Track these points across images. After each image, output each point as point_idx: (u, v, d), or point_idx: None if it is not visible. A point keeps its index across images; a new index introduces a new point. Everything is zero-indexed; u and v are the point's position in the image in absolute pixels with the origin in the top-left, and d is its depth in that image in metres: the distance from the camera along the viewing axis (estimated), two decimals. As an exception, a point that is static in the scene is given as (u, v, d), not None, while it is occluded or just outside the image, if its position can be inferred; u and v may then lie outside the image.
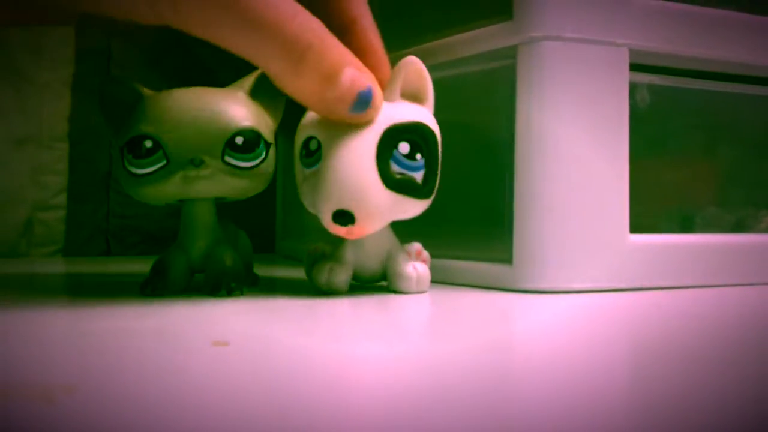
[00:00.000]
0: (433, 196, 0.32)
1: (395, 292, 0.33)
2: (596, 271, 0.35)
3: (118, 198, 0.58)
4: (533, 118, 0.35)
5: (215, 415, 0.14)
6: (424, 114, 0.31)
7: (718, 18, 0.39)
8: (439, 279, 0.38)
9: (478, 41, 0.37)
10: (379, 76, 0.31)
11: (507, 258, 0.35)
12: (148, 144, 0.30)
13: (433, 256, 0.35)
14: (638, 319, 0.29)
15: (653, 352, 0.22)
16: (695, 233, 0.40)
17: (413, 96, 0.32)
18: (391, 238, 0.33)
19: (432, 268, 0.34)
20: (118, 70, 0.58)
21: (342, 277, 0.32)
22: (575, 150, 0.35)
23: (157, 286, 0.31)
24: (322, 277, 0.32)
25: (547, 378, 0.18)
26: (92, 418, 0.14)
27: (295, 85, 0.28)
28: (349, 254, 0.33)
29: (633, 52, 0.36)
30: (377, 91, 0.29)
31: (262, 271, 0.38)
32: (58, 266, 0.51)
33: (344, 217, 0.29)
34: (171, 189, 0.30)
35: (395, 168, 0.30)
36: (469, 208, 0.40)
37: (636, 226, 0.36)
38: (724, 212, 0.42)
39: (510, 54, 0.36)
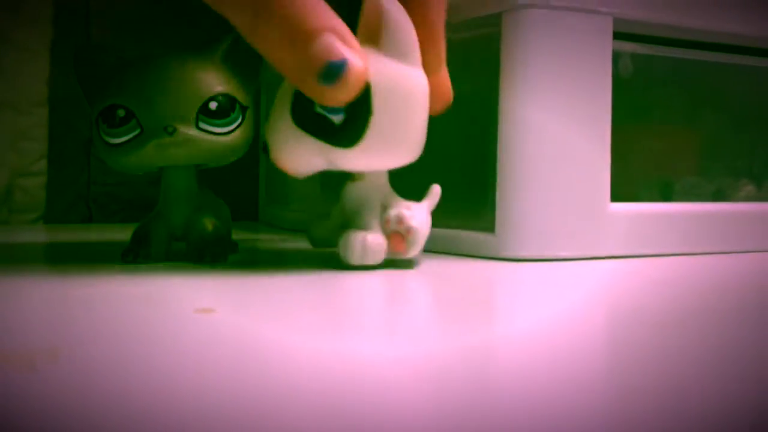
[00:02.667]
0: (360, 146, 0.27)
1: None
2: (577, 240, 0.35)
3: (99, 164, 0.58)
4: (517, 86, 0.35)
5: (198, 381, 0.15)
6: (370, 60, 0.27)
7: (701, -13, 0.39)
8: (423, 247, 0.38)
9: (461, 8, 0.37)
10: (430, 51, 0.29)
11: (490, 226, 0.35)
12: (121, 113, 0.30)
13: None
14: (618, 287, 0.30)
15: (632, 318, 0.22)
16: (675, 202, 0.40)
17: (371, 39, 0.28)
18: (381, 194, 0.30)
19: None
20: (97, 31, 0.58)
21: (320, 230, 0.32)
22: (557, 118, 0.35)
23: (139, 254, 0.31)
24: (356, 246, 0.29)
25: (528, 346, 0.19)
26: (75, 384, 0.14)
27: (261, 45, 0.25)
28: (337, 210, 0.32)
29: (617, 21, 0.36)
30: (355, 68, 0.25)
31: (244, 237, 0.38)
32: (39, 233, 0.51)
33: (264, 148, 0.29)
34: (146, 158, 0.30)
35: (319, 108, 0.27)
36: (452, 176, 0.40)
37: (616, 195, 0.36)
38: (704, 181, 0.42)
39: (494, 22, 0.35)
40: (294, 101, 0.27)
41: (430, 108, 0.29)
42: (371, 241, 0.29)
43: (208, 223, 0.32)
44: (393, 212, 0.29)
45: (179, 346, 0.18)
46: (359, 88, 0.26)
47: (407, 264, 0.30)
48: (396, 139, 0.28)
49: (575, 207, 0.35)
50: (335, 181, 0.32)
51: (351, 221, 0.30)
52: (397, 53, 0.28)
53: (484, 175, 0.36)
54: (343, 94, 0.26)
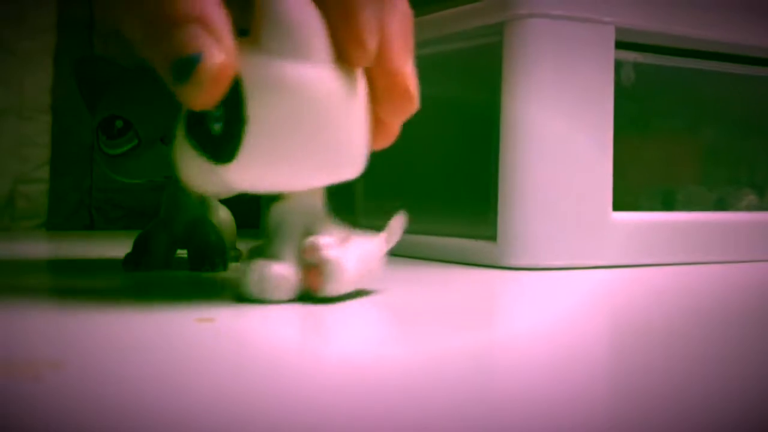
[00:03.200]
0: (239, 162, 0.22)
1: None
2: (579, 249, 0.35)
3: (101, 172, 0.58)
4: (519, 95, 0.35)
5: (201, 389, 0.15)
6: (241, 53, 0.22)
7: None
8: (425, 256, 0.38)
9: (464, 18, 0.37)
10: (351, 39, 0.23)
11: (492, 235, 0.35)
12: (119, 124, 0.30)
13: (417, 232, 0.35)
14: (620, 296, 0.30)
15: (634, 327, 0.22)
16: (677, 211, 0.40)
17: (252, 34, 0.23)
18: (306, 219, 0.24)
19: (417, 245, 0.34)
20: (99, 40, 0.58)
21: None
22: (560, 127, 0.35)
23: (140, 262, 0.31)
24: (254, 277, 0.24)
25: (529, 355, 0.19)
26: (79, 394, 0.14)
27: (129, 36, 0.21)
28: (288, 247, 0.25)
29: (619, 30, 0.36)
30: (210, 62, 0.21)
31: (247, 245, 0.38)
32: (40, 240, 0.51)
33: None
34: (145, 168, 0.30)
35: (209, 119, 0.22)
36: (454, 185, 0.40)
37: (619, 204, 0.36)
38: (706, 190, 0.42)
39: (496, 31, 0.36)
40: (188, 111, 0.23)
41: (386, 111, 0.25)
42: (272, 273, 0.23)
43: (210, 232, 0.32)
44: (309, 240, 0.23)
45: (180, 355, 0.18)
46: (220, 87, 0.21)
47: (324, 300, 0.24)
48: (294, 153, 0.22)
49: (577, 216, 0.35)
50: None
51: (264, 249, 0.24)
52: (284, 49, 0.22)
53: (486, 184, 0.36)
54: (199, 95, 0.21)
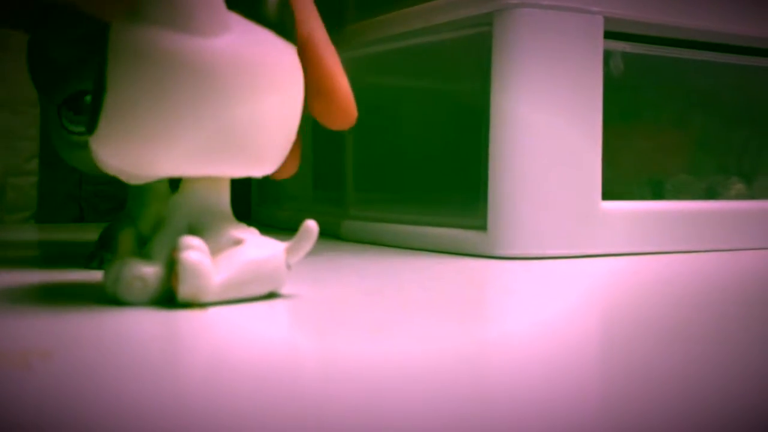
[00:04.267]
0: (100, 135, 0.21)
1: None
2: (569, 238, 0.35)
3: (91, 188, 0.58)
4: (508, 85, 0.35)
5: (190, 380, 0.15)
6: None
7: (692, -14, 0.39)
8: (415, 246, 0.39)
9: (453, 8, 0.37)
10: (330, 95, 0.25)
11: (481, 225, 0.36)
12: (89, 99, 0.26)
13: (408, 222, 0.35)
14: (610, 285, 0.30)
15: (624, 316, 0.23)
16: (666, 200, 0.40)
17: None
18: (191, 214, 0.22)
19: (407, 235, 0.34)
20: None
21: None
22: (549, 117, 0.35)
23: (105, 259, 0.28)
24: (110, 276, 0.22)
25: (520, 345, 0.19)
26: (68, 384, 0.14)
27: None
28: (162, 248, 0.23)
29: (607, 20, 0.36)
30: None
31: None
32: (30, 232, 0.50)
33: None
34: None
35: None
36: (444, 175, 0.40)
37: (608, 193, 0.37)
38: (695, 179, 0.42)
39: (486, 21, 0.36)
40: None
41: (325, 118, 0.25)
42: (128, 272, 0.21)
43: None
44: (180, 239, 0.21)
45: (174, 343, 0.18)
46: None
47: (184, 305, 0.21)
48: (159, 130, 0.20)
49: (567, 205, 0.35)
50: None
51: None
52: (161, 17, 0.20)
53: (475, 174, 0.36)
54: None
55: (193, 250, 0.21)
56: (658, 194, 0.41)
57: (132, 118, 0.20)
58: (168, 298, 0.21)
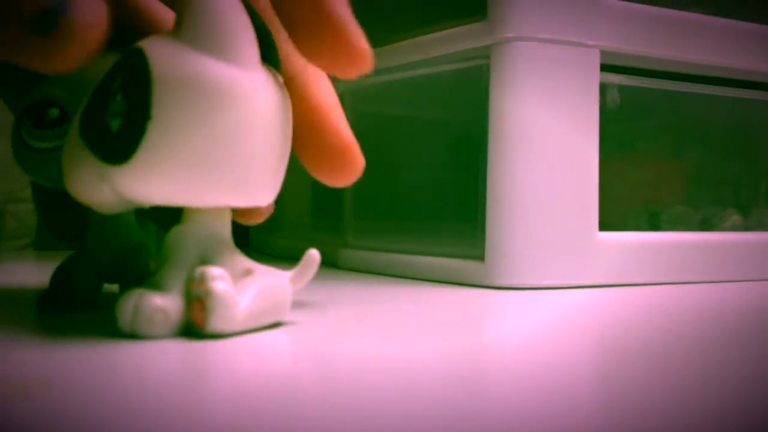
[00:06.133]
0: (134, 163, 0.20)
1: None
2: (566, 268, 0.36)
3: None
4: (506, 117, 0.35)
5: (191, 409, 0.15)
6: (154, 43, 0.20)
7: (687, 21, 0.39)
8: (411, 275, 0.39)
9: (452, 41, 0.38)
10: (329, 142, 0.23)
11: (479, 255, 0.36)
12: (54, 114, 0.24)
13: (405, 252, 0.36)
14: (606, 315, 0.30)
15: (621, 348, 0.23)
16: (663, 231, 0.41)
17: (174, 25, 0.21)
18: (203, 245, 0.22)
19: (405, 264, 0.34)
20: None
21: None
22: (546, 149, 0.35)
23: (59, 300, 0.25)
24: (128, 308, 0.21)
25: (519, 376, 0.19)
26: (69, 413, 0.14)
27: None
28: (177, 277, 0.22)
29: (604, 53, 0.37)
30: (81, 13, 0.17)
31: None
32: (29, 259, 0.50)
33: None
34: None
35: (108, 115, 0.20)
36: (441, 205, 0.40)
37: (605, 224, 0.37)
38: (691, 210, 0.43)
39: (484, 54, 0.36)
40: (84, 108, 0.20)
41: (323, 173, 0.23)
42: (148, 305, 0.20)
43: (149, 261, 0.26)
44: (198, 270, 0.20)
45: (171, 374, 0.18)
46: (87, 47, 0.17)
47: (210, 337, 0.21)
48: (198, 161, 0.20)
49: (564, 236, 0.36)
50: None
51: (153, 277, 0.21)
52: (208, 44, 0.20)
53: (473, 204, 0.37)
54: (59, 53, 0.17)
55: (221, 281, 0.20)
56: (654, 225, 0.41)
57: (174, 148, 0.19)
58: (185, 330, 0.21)
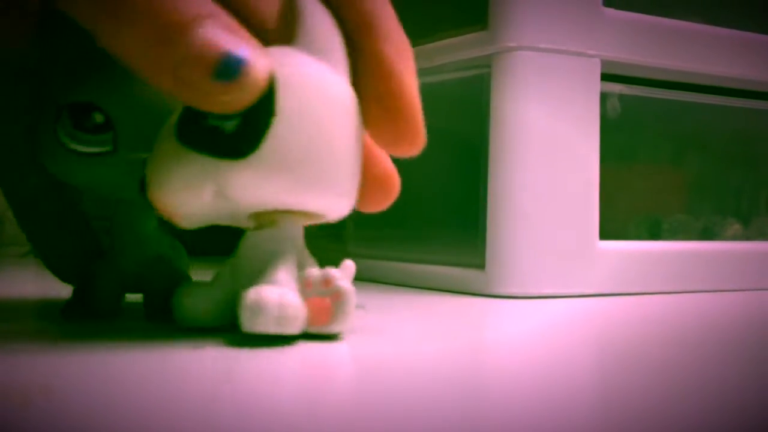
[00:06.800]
0: (254, 159, 0.20)
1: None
2: (567, 277, 0.36)
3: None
4: (507, 126, 0.35)
5: (191, 413, 0.15)
6: (272, 51, 0.21)
7: (687, 30, 0.39)
8: (412, 284, 0.39)
9: (454, 50, 0.38)
10: (385, 88, 0.22)
11: (479, 263, 0.36)
12: (99, 119, 0.23)
13: (406, 260, 0.36)
14: (607, 325, 0.30)
15: (620, 357, 0.23)
16: (664, 240, 0.41)
17: (280, 36, 0.22)
18: (297, 249, 0.23)
19: (405, 273, 0.34)
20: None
21: (196, 300, 0.23)
22: (547, 157, 0.35)
23: (82, 309, 0.25)
24: (175, 301, 0.23)
25: (518, 384, 0.19)
26: (69, 420, 0.14)
27: (128, 52, 0.19)
28: (225, 272, 0.23)
29: (605, 63, 0.37)
30: (259, 61, 0.19)
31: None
32: (29, 266, 0.50)
33: (141, 184, 0.22)
34: (103, 182, 0.24)
35: (212, 119, 0.20)
36: (442, 213, 0.40)
37: (605, 232, 0.37)
38: (692, 219, 0.43)
39: (485, 63, 0.36)
40: (181, 116, 0.21)
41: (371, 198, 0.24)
42: (291, 302, 0.21)
43: (174, 272, 0.26)
44: (316, 271, 0.22)
45: (172, 382, 0.18)
46: (261, 89, 0.20)
47: (331, 337, 0.22)
48: (307, 160, 0.21)
49: (565, 244, 0.36)
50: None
51: (252, 281, 0.21)
52: (320, 51, 0.21)
53: (474, 213, 0.37)
54: (242, 96, 0.19)
55: (347, 281, 0.21)
56: (655, 234, 0.41)
57: (299, 147, 0.20)
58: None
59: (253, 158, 0.20)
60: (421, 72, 0.40)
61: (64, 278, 0.27)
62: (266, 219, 0.22)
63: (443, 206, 0.40)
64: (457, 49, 0.38)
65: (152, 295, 0.25)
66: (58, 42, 0.24)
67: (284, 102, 0.20)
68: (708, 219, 0.43)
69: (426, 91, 0.40)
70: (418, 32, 0.41)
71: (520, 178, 0.35)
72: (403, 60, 0.23)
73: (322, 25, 0.21)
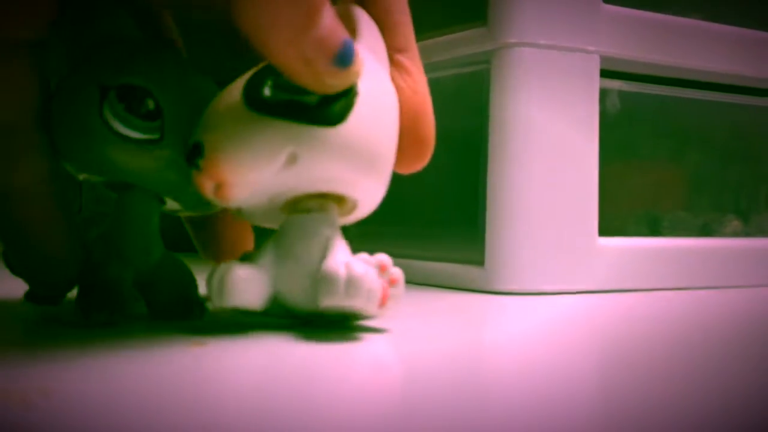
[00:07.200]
0: (339, 132, 0.22)
1: (324, 316, 0.23)
2: (566, 273, 0.36)
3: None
4: (506, 122, 0.35)
5: (194, 416, 0.15)
6: None
7: (686, 27, 0.39)
8: (412, 280, 0.39)
9: (453, 46, 0.38)
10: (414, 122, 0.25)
11: (479, 260, 0.36)
12: (151, 105, 0.23)
13: (405, 257, 0.35)
14: (606, 321, 0.30)
15: (621, 354, 0.23)
16: (663, 237, 0.41)
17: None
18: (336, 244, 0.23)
19: (406, 269, 0.34)
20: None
21: (252, 285, 0.22)
22: (546, 154, 0.35)
23: (108, 310, 0.23)
24: (214, 282, 0.22)
25: (519, 381, 0.19)
26: (69, 422, 0.14)
27: (268, 15, 0.20)
28: (268, 257, 0.23)
29: (604, 59, 0.37)
30: (359, 51, 0.22)
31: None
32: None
33: (195, 151, 0.22)
34: (148, 172, 0.23)
35: (277, 89, 0.22)
36: (442, 210, 0.40)
37: (605, 229, 0.37)
38: (691, 216, 0.43)
39: (484, 59, 0.36)
40: (247, 87, 0.22)
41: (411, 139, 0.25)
42: (376, 279, 0.22)
43: (185, 268, 0.25)
44: (376, 257, 0.23)
45: (174, 381, 0.18)
46: (359, 76, 0.22)
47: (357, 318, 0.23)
48: (372, 143, 0.22)
49: (564, 241, 0.36)
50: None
51: (307, 263, 0.22)
52: (370, 48, 0.23)
53: (473, 209, 0.37)
54: (347, 81, 0.22)
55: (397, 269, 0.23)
56: (654, 231, 0.41)
57: (371, 131, 0.22)
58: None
59: (341, 127, 0.22)
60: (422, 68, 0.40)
61: (44, 288, 0.25)
62: (302, 206, 0.23)
63: (443, 203, 0.40)
64: (457, 46, 0.38)
65: (159, 295, 0.24)
66: (108, 22, 0.24)
67: (361, 88, 0.22)
68: (707, 215, 0.43)
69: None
70: (417, 28, 0.41)
71: (519, 174, 0.35)
72: (421, 83, 0.25)
73: (371, 29, 0.24)
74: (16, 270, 0.24)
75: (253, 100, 0.21)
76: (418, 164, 0.25)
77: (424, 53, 0.40)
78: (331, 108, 0.22)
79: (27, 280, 0.24)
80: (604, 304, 0.33)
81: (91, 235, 0.24)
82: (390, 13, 0.25)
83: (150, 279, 0.24)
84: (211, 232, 0.29)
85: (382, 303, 0.23)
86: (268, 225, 0.25)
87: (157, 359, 0.20)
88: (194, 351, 0.20)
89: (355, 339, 0.23)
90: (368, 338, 0.23)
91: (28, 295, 0.25)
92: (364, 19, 0.24)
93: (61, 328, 0.24)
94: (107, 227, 0.24)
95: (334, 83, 0.21)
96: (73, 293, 0.24)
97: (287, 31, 0.21)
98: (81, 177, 0.24)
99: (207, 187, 0.22)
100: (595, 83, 0.36)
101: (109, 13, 0.24)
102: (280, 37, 0.21)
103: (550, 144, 0.35)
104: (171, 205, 0.25)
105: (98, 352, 0.20)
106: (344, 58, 0.21)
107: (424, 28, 0.40)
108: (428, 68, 0.40)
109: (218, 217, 0.29)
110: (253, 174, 0.21)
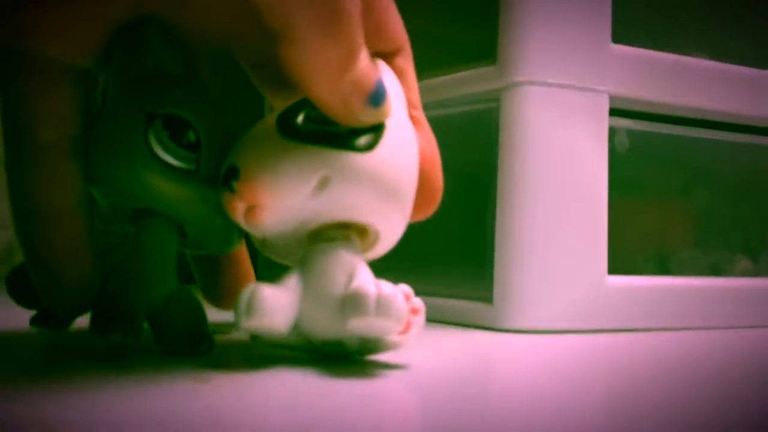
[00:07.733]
0: (369, 159, 0.23)
1: (343, 346, 0.24)
2: (575, 312, 0.35)
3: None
4: (515, 160, 0.35)
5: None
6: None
7: (695, 67, 0.40)
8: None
9: (463, 84, 0.38)
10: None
11: (487, 297, 0.36)
12: (192, 137, 0.24)
13: (415, 293, 0.35)
14: (615, 361, 0.30)
15: (629, 394, 0.23)
16: (673, 276, 0.41)
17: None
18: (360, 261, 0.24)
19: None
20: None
21: (281, 314, 0.22)
22: (555, 192, 0.35)
23: (124, 332, 0.23)
24: (242, 306, 0.22)
25: (524, 421, 0.19)
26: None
27: (315, 58, 0.21)
28: (294, 280, 0.23)
29: (613, 98, 0.37)
30: (389, 90, 0.23)
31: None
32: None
33: (230, 173, 0.23)
34: (182, 202, 0.24)
35: (309, 121, 0.23)
36: (450, 246, 0.40)
37: (614, 267, 0.37)
38: (700, 254, 0.43)
39: (493, 97, 0.36)
40: (281, 117, 0.23)
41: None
42: (403, 302, 0.22)
43: (197, 301, 0.25)
44: (400, 287, 0.23)
45: (179, 417, 0.18)
46: (389, 114, 0.24)
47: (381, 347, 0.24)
48: (398, 175, 0.24)
49: (573, 279, 0.36)
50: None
51: (334, 289, 0.23)
52: (393, 92, 0.25)
53: (482, 246, 0.37)
54: (378, 118, 0.23)
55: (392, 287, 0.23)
56: (663, 269, 0.41)
57: (396, 162, 0.24)
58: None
59: (364, 157, 0.23)
60: (431, 105, 0.40)
61: (61, 310, 0.25)
62: (326, 236, 0.24)
63: (452, 239, 0.40)
64: (466, 83, 0.38)
65: (169, 326, 0.24)
66: (154, 57, 0.25)
67: (387, 122, 0.24)
68: (717, 255, 0.43)
69: (435, 125, 0.40)
70: (427, 66, 0.41)
71: (528, 212, 0.35)
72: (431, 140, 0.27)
73: (390, 75, 0.25)
74: (23, 294, 0.25)
75: (286, 128, 0.23)
76: (429, 211, 0.26)
77: (434, 91, 0.41)
78: (360, 137, 0.23)
79: (45, 299, 0.24)
80: (612, 344, 0.33)
81: (107, 263, 0.25)
82: (404, 75, 0.26)
83: (161, 309, 0.24)
84: (215, 274, 0.29)
85: (405, 329, 0.23)
86: (287, 261, 0.25)
87: (162, 393, 0.20)
88: (199, 387, 0.20)
89: (358, 375, 0.23)
90: (372, 374, 0.23)
91: (34, 319, 0.25)
92: (385, 69, 0.25)
93: (63, 361, 0.24)
94: (126, 254, 0.24)
95: (366, 120, 0.23)
96: (78, 321, 0.24)
97: (329, 71, 0.22)
98: (105, 203, 0.24)
99: (239, 210, 0.22)
100: (604, 122, 0.37)
101: (156, 49, 0.25)
102: (323, 77, 0.22)
103: (558, 182, 0.35)
104: (188, 239, 0.25)
105: (104, 385, 0.20)
106: (377, 99, 0.23)
107: (434, 65, 0.41)
108: (438, 105, 0.41)
109: (224, 261, 0.29)
110: (286, 196, 0.22)
